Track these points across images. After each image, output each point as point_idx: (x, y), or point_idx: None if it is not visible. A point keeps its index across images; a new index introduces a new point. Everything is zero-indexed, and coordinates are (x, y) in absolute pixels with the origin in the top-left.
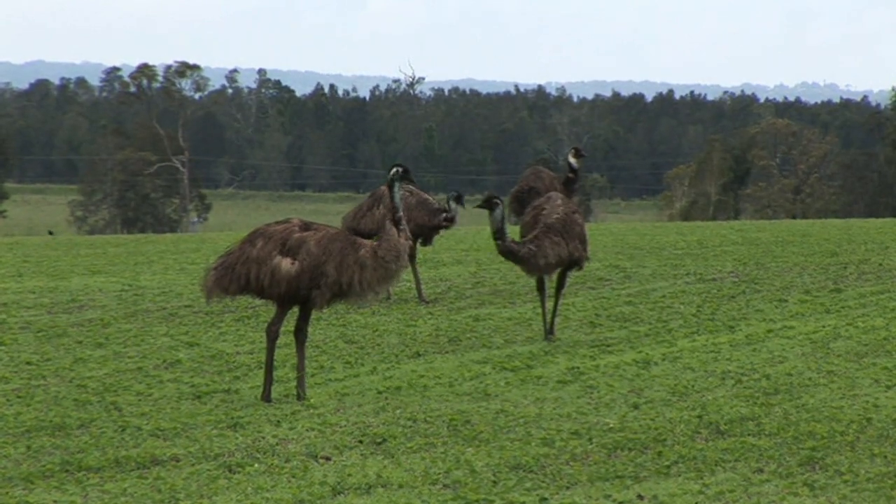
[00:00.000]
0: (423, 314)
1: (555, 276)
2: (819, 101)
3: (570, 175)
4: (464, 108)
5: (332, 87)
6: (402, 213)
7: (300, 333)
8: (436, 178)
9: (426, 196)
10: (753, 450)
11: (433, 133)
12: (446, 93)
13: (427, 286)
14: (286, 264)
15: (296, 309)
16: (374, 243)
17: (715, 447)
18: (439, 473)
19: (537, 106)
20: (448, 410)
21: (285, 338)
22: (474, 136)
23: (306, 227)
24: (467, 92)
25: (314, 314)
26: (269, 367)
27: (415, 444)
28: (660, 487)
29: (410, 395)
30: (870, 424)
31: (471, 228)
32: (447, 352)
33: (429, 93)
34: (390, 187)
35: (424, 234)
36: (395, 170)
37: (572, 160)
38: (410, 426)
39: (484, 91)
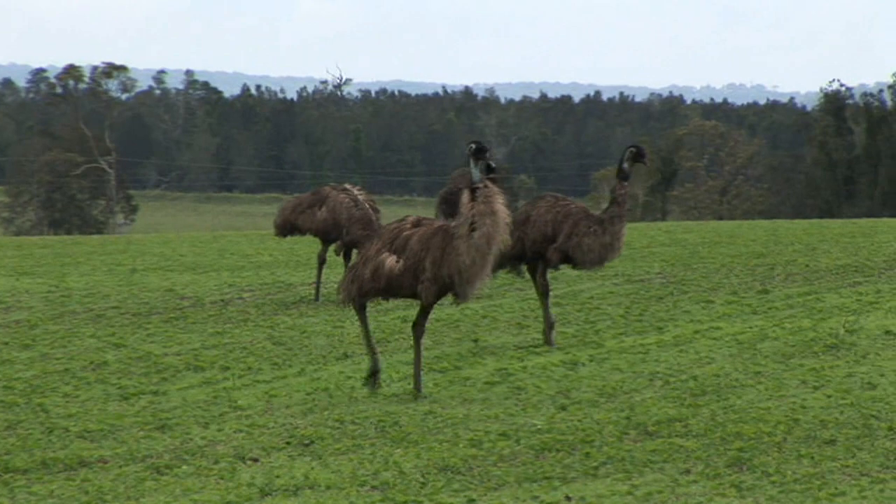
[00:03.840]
0: (350, 315)
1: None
2: (746, 103)
3: (490, 177)
4: (392, 109)
5: (259, 88)
6: (480, 184)
7: (418, 328)
8: (363, 179)
9: (372, 215)
10: (681, 451)
11: (361, 134)
12: (374, 94)
13: None
14: (391, 262)
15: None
16: (456, 224)
17: (643, 448)
18: (367, 475)
19: (465, 107)
20: (376, 412)
21: (206, 340)
22: (402, 137)
23: (417, 223)
24: (395, 93)
25: (431, 309)
26: (418, 361)
27: (343, 445)
28: (588, 488)
29: (338, 397)
30: (797, 425)
31: None
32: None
33: (356, 94)
34: (468, 163)
35: (360, 249)
36: (470, 145)
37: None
38: (338, 427)
39: (412, 92)
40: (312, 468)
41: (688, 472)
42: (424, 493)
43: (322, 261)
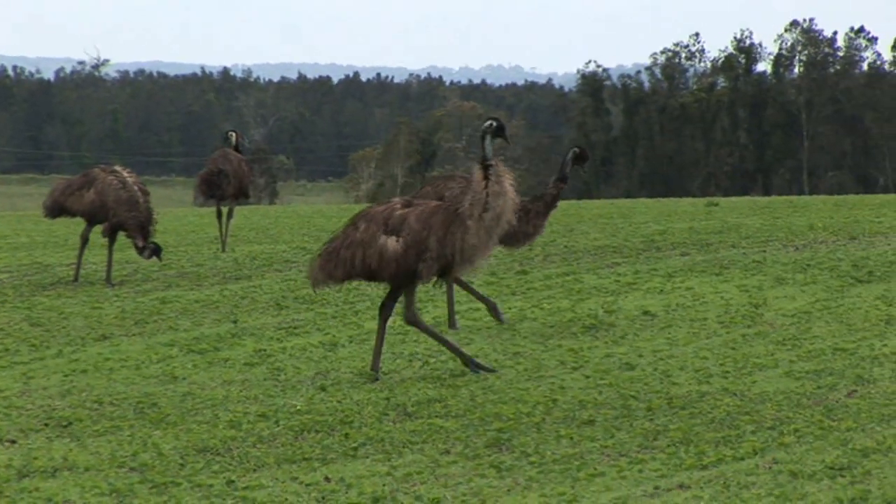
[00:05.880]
0: (109, 296)
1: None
2: (505, 84)
3: (243, 159)
4: (150, 90)
5: (15, 68)
6: (492, 161)
7: (385, 309)
8: (122, 160)
9: (139, 196)
10: (441, 431)
11: (119, 115)
12: (132, 74)
13: (114, 268)
14: (392, 243)
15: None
16: (468, 204)
17: (402, 429)
18: (126, 456)
19: (223, 88)
20: (135, 393)
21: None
22: (160, 118)
23: (408, 204)
24: (153, 74)
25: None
26: (380, 344)
27: (101, 426)
28: (347, 469)
29: (97, 378)
30: (556, 406)
31: (159, 210)
32: (134, 334)
33: (114, 75)
34: (482, 139)
35: (127, 231)
36: (488, 123)
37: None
38: (97, 409)
39: (170, 73)
40: (71, 450)
41: (447, 452)
42: (183, 475)
43: (84, 240)
